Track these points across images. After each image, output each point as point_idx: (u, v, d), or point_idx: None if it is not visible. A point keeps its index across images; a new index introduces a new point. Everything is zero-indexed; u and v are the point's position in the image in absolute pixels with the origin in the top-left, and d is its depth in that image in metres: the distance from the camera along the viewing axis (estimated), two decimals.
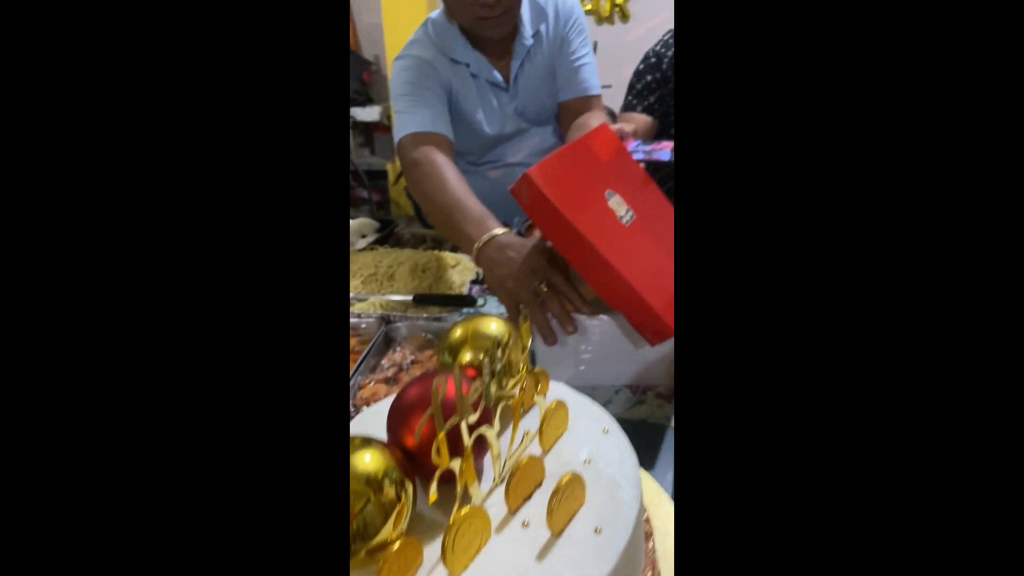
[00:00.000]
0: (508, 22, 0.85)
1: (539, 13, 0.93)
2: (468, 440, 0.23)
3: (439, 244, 1.06)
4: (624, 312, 0.56)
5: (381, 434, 0.28)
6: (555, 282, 0.59)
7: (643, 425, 0.59)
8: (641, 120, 0.97)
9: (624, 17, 2.51)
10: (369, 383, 0.67)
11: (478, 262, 0.67)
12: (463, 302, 0.79)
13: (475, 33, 0.86)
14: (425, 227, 1.31)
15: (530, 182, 0.53)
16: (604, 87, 2.66)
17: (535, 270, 0.60)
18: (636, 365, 0.64)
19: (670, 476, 0.51)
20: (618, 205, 0.59)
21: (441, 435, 0.22)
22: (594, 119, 0.92)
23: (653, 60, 0.97)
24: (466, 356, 0.30)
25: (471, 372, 0.30)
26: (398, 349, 0.74)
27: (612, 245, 0.54)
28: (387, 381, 0.68)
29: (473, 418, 0.23)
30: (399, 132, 0.84)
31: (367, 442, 0.23)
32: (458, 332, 0.31)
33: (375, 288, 0.84)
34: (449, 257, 0.91)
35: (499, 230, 0.66)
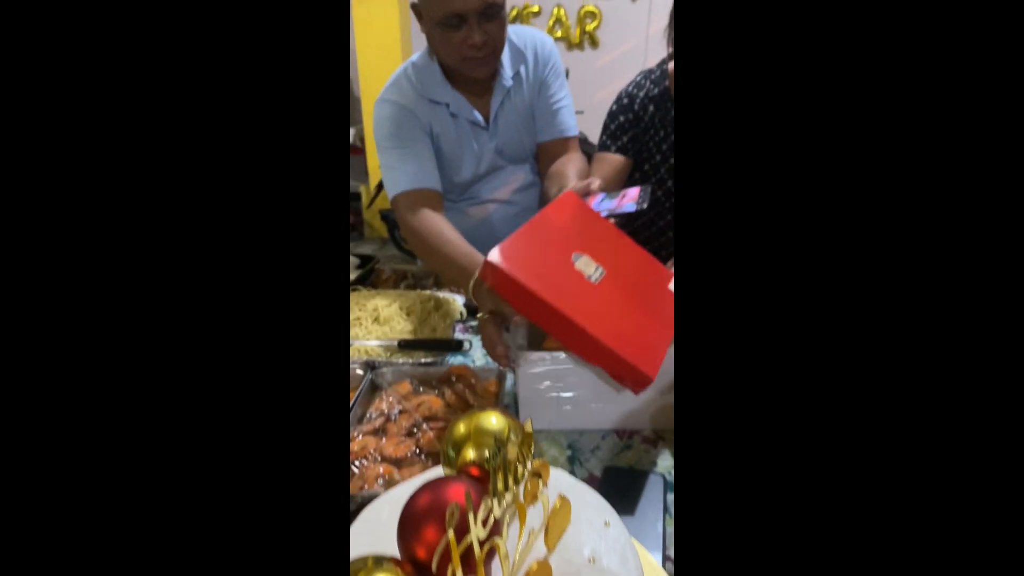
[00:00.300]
0: (492, 63, 0.88)
1: (519, 56, 0.95)
2: (480, 552, 0.24)
3: (419, 280, 1.07)
4: (603, 367, 0.58)
5: (382, 535, 0.28)
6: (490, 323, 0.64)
7: (630, 473, 0.60)
8: (615, 160, 1.00)
9: (594, 44, 2.58)
10: (357, 436, 0.67)
11: (474, 297, 0.70)
12: (449, 347, 0.80)
13: (460, 72, 0.88)
14: (400, 250, 1.31)
15: (492, 265, 0.56)
16: (576, 112, 2.72)
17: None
18: (621, 408, 0.66)
19: (658, 525, 0.53)
20: (586, 265, 0.61)
21: (456, 558, 0.23)
22: (571, 162, 0.95)
23: (625, 101, 1.00)
24: (470, 454, 0.31)
25: (475, 471, 0.31)
26: (384, 396, 0.74)
27: (581, 307, 0.56)
28: (375, 432, 0.68)
29: (484, 533, 0.24)
30: (391, 190, 0.89)
31: (379, 562, 0.24)
32: (461, 429, 0.32)
33: (360, 333, 0.83)
34: (433, 299, 0.92)
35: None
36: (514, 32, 0.95)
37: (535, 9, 2.52)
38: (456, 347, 0.79)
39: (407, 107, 0.90)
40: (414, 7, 0.85)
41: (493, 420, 0.32)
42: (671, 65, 0.97)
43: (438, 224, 0.82)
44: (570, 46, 2.57)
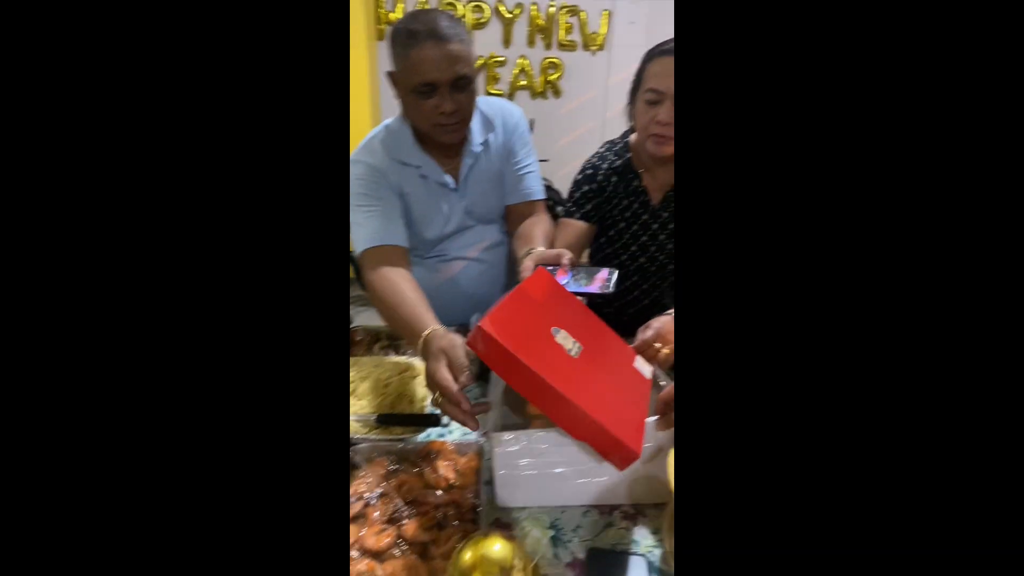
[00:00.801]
0: (462, 129, 0.92)
1: (487, 123, 1.00)
2: None
3: (394, 341, 1.06)
4: (589, 443, 0.59)
5: None
6: (450, 393, 0.63)
7: (614, 555, 0.61)
8: (579, 227, 1.04)
9: (556, 93, 2.69)
10: None
11: (422, 357, 0.71)
12: (427, 421, 0.80)
13: (431, 137, 0.91)
14: (364, 289, 1.30)
15: (485, 334, 0.56)
16: (541, 160, 2.79)
17: (453, 367, 0.64)
18: (599, 483, 0.67)
19: None
20: (565, 340, 0.63)
21: None
22: (538, 224, 0.99)
23: (590, 172, 1.05)
24: None
25: None
26: (362, 477, 0.73)
27: (569, 381, 0.57)
28: (354, 519, 0.66)
29: None
30: (357, 246, 0.91)
31: None
32: (467, 557, 0.33)
33: None
34: (411, 368, 0.92)
35: (434, 327, 0.72)
36: (484, 102, 1.00)
37: (501, 59, 2.62)
38: (434, 422, 0.79)
39: (378, 167, 0.93)
40: (389, 75, 0.89)
41: (497, 547, 0.32)
42: (633, 137, 1.03)
43: (396, 281, 0.82)
44: (534, 95, 2.67)
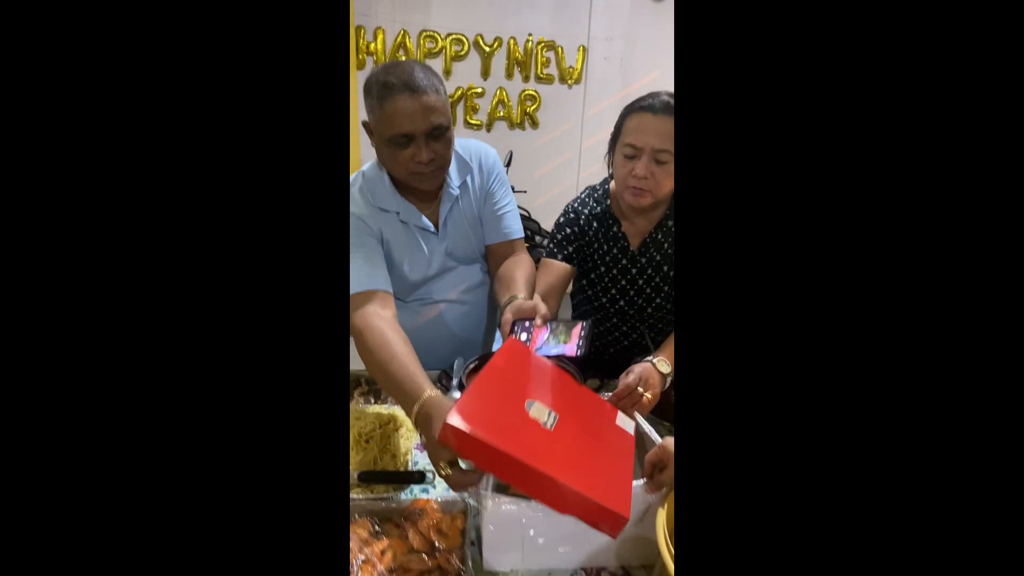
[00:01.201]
0: (440, 176, 0.93)
1: (465, 167, 1.01)
2: None
3: (373, 386, 1.05)
4: (577, 516, 0.58)
5: None
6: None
7: None
8: (560, 268, 1.05)
9: (534, 124, 2.74)
10: None
11: (416, 426, 0.70)
12: (411, 478, 0.78)
13: (407, 184, 0.92)
14: None
15: (454, 429, 0.55)
16: (519, 192, 2.81)
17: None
18: (587, 546, 0.67)
19: None
20: (539, 412, 0.63)
21: None
22: (519, 266, 0.99)
23: (572, 216, 1.07)
24: None
25: None
26: None
27: (547, 458, 0.57)
28: None
29: None
30: None
31: None
32: None
33: None
34: (393, 420, 0.90)
35: (429, 392, 0.69)
36: (460, 145, 1.01)
37: (479, 91, 2.66)
38: (419, 479, 0.78)
39: (357, 215, 0.93)
40: (365, 124, 0.89)
41: None
42: (612, 185, 1.06)
43: (384, 333, 0.80)
44: (512, 126, 2.72)
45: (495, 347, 1.09)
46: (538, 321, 0.78)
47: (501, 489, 0.68)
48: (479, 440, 0.55)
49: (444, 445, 0.58)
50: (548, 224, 2.72)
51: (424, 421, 0.67)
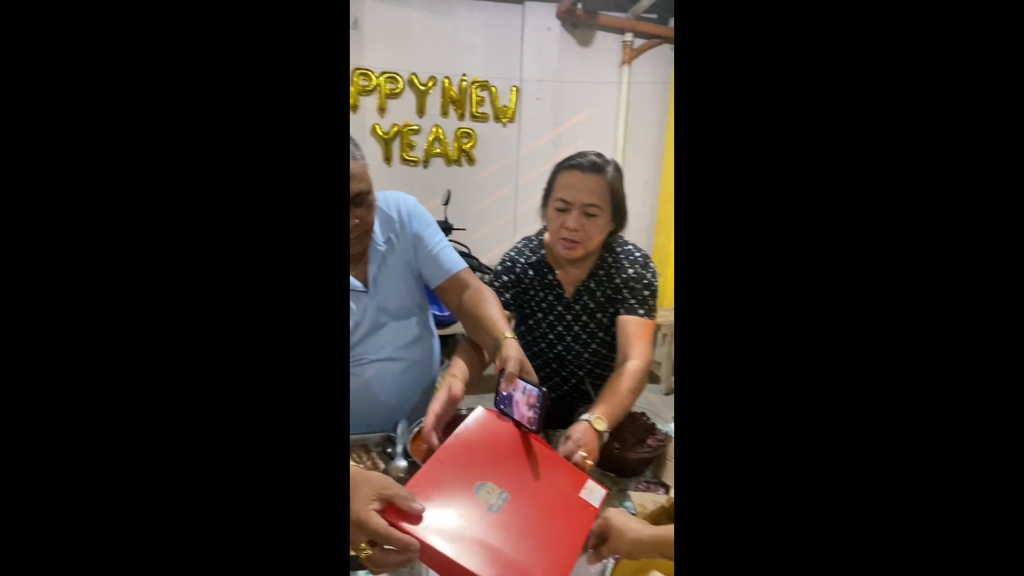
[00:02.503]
0: (365, 240, 0.91)
1: (387, 221, 0.99)
2: None
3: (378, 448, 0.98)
4: None
5: None
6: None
7: None
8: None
9: (471, 161, 2.78)
10: None
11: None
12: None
13: None
14: None
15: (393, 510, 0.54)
16: (458, 229, 2.82)
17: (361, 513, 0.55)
18: None
19: None
20: (488, 494, 0.61)
21: None
22: (482, 302, 0.95)
23: (508, 264, 1.08)
24: None
25: None
26: None
27: (476, 547, 0.55)
28: None
29: None
30: None
31: None
32: None
33: None
34: None
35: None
36: (380, 199, 0.98)
37: (415, 128, 2.67)
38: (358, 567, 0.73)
39: None
40: None
41: None
42: (546, 236, 1.08)
43: None
44: (448, 162, 2.74)
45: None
46: (512, 379, 0.75)
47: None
48: (401, 527, 0.53)
49: (359, 525, 0.54)
50: (487, 259, 2.75)
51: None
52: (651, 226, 3.11)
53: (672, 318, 2.45)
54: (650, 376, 2.82)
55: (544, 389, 0.72)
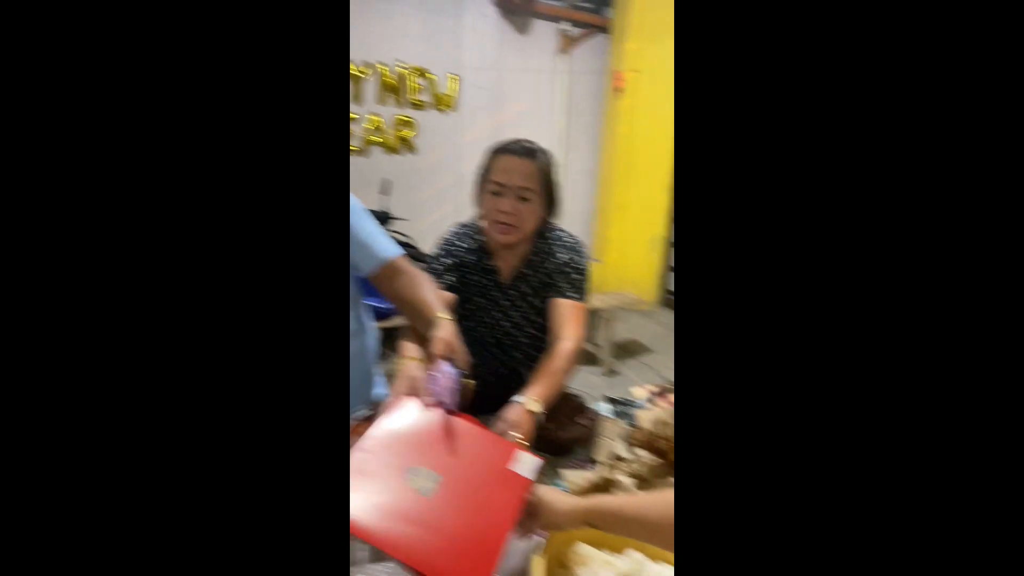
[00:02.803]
0: None
1: None
2: None
3: None
4: None
5: None
6: None
7: None
8: (442, 296, 1.05)
9: (411, 150, 2.73)
10: None
11: None
12: None
13: None
14: None
15: None
16: (400, 219, 2.75)
17: None
18: None
19: None
20: (420, 478, 0.62)
21: None
22: (418, 286, 0.95)
23: (447, 247, 1.09)
24: None
25: None
26: None
27: (406, 537, 0.57)
28: None
29: None
30: None
31: None
32: None
33: None
34: None
35: None
36: None
37: (353, 116, 2.58)
38: None
39: None
40: None
41: None
42: (482, 221, 1.09)
43: None
44: (388, 151, 2.68)
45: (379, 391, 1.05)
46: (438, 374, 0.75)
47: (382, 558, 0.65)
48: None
49: None
50: (431, 248, 2.69)
51: None
52: (590, 212, 3.18)
53: (613, 302, 2.53)
54: (592, 358, 2.87)
55: (463, 370, 0.73)
